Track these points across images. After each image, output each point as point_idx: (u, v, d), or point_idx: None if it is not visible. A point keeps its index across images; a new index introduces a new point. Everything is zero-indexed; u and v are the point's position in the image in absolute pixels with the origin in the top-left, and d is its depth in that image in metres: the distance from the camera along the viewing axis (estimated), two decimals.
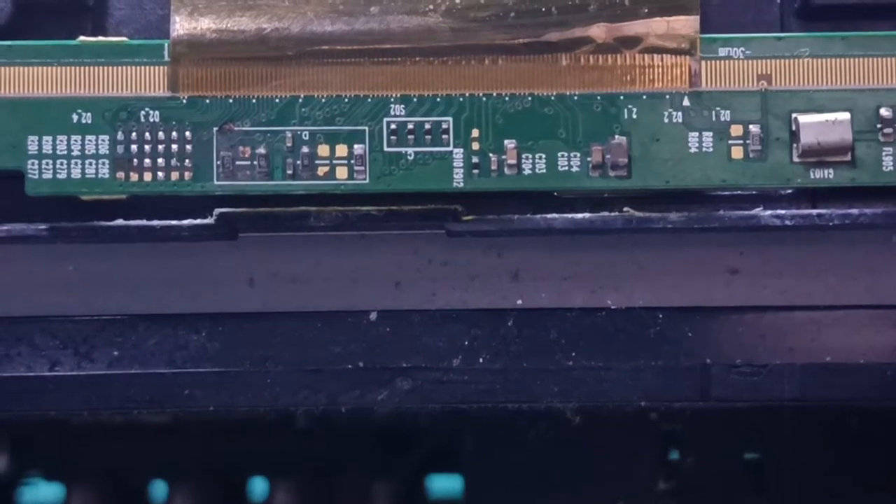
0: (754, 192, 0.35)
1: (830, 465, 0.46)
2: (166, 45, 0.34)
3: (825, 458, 0.45)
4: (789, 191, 0.35)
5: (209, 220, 0.34)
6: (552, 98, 0.34)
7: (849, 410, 0.42)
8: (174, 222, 0.35)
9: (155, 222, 0.34)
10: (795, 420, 0.45)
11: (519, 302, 0.36)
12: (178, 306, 0.36)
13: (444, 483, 0.52)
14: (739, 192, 0.35)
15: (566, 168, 0.34)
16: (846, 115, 0.34)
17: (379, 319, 0.36)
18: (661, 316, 0.36)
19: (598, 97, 0.34)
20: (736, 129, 0.34)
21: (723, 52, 0.34)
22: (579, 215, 0.35)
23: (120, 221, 0.34)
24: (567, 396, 0.36)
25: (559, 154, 0.34)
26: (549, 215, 0.35)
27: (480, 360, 0.36)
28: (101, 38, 0.35)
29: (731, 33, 0.35)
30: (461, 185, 0.34)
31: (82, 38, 0.34)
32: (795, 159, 0.34)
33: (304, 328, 0.36)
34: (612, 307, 0.36)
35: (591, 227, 0.35)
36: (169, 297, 0.36)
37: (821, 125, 0.34)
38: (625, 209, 0.35)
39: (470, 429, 0.48)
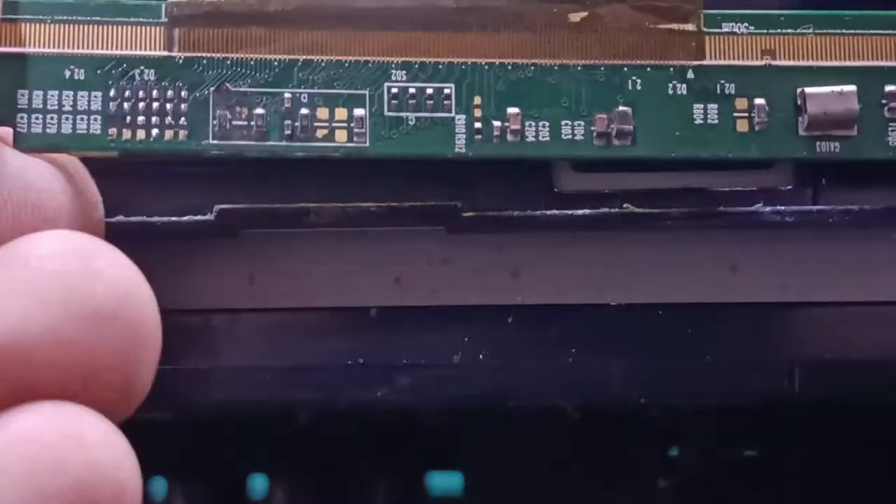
0: (755, 189, 0.35)
1: (830, 462, 0.46)
2: (164, 5, 0.34)
3: (825, 456, 0.45)
4: (789, 186, 0.35)
5: (209, 217, 0.34)
6: (555, 68, 0.34)
7: (849, 407, 0.42)
8: (174, 218, 0.35)
9: (155, 218, 0.34)
10: (795, 417, 0.45)
11: (519, 299, 0.36)
12: (178, 303, 0.36)
13: (445, 480, 0.52)
14: (740, 188, 0.35)
15: (570, 136, 0.34)
16: (852, 87, 0.34)
17: (379, 316, 0.36)
18: (661, 312, 0.36)
19: (602, 68, 0.34)
20: (741, 102, 0.34)
21: (726, 27, 0.34)
22: (579, 212, 0.35)
23: (120, 217, 0.34)
24: (567, 393, 0.36)
25: (563, 122, 0.34)
26: (548, 211, 0.35)
27: (480, 356, 0.36)
28: None
29: (734, 8, 0.35)
30: (463, 150, 0.34)
31: None
32: (801, 133, 0.34)
33: (304, 325, 0.36)
34: (612, 304, 0.36)
35: (591, 224, 0.35)
36: (169, 294, 0.36)
37: (827, 96, 0.34)
38: (625, 205, 0.35)
39: (470, 426, 0.48)
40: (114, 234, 0.35)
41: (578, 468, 0.46)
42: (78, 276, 0.29)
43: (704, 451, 0.46)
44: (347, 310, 0.36)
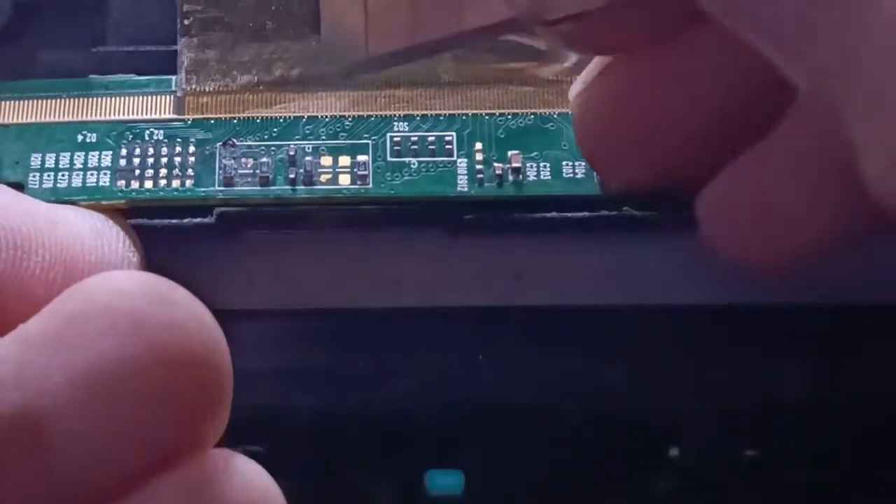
0: None
1: (831, 463, 0.46)
2: (174, 79, 0.35)
3: (826, 457, 0.45)
4: None
5: (209, 220, 0.35)
6: (555, 115, 0.34)
7: (851, 409, 0.42)
8: (174, 221, 0.35)
9: (156, 221, 0.35)
10: (795, 417, 0.45)
11: (519, 301, 0.36)
12: None
13: (445, 480, 0.52)
14: None
15: (571, 175, 0.34)
16: None
17: (379, 318, 0.36)
18: (661, 314, 0.36)
19: None
20: None
21: None
22: (580, 214, 0.35)
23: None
24: (567, 394, 0.36)
25: (563, 163, 0.34)
26: (549, 214, 0.35)
27: (480, 358, 0.36)
28: (109, 77, 0.35)
29: None
30: (465, 189, 0.34)
31: (92, 75, 0.35)
32: None
33: (304, 327, 0.36)
34: (613, 305, 0.36)
35: (592, 226, 0.35)
36: None
37: None
38: (624, 208, 0.35)
39: (470, 426, 0.48)
40: None
41: (578, 468, 0.46)
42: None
43: (704, 452, 0.46)
44: (348, 311, 0.36)
